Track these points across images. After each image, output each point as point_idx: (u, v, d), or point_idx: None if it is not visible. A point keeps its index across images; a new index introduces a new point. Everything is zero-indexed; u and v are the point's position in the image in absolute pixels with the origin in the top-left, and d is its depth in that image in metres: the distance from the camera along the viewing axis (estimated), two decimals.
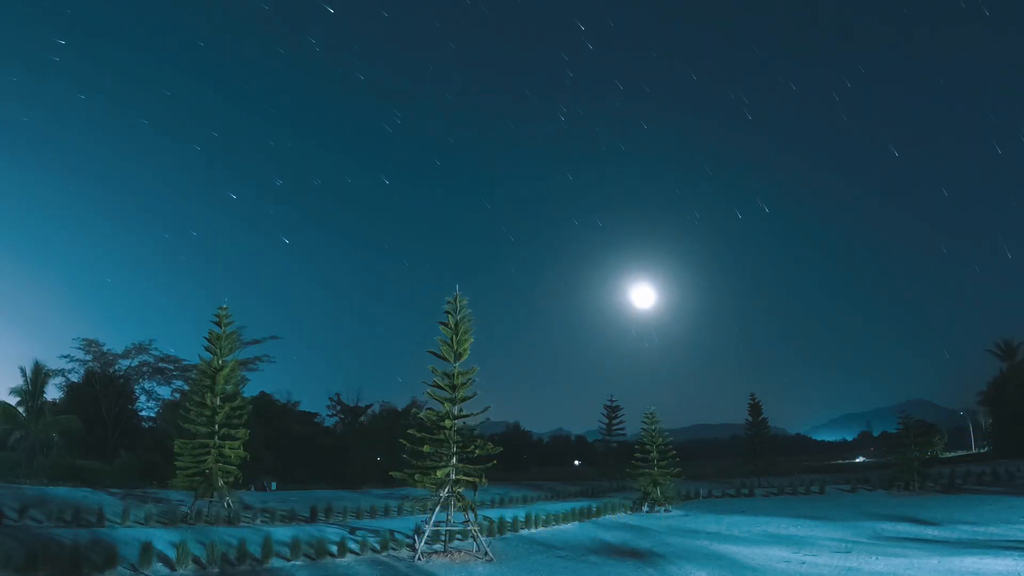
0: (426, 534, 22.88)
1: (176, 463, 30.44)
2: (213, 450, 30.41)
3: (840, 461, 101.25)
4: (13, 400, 48.84)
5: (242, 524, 27.64)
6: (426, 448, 24.52)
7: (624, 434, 67.16)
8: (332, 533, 25.02)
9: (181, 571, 18.80)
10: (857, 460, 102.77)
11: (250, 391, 49.77)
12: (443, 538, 24.04)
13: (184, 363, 63.96)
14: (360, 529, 27.01)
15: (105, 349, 63.51)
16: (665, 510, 38.92)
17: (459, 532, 24.57)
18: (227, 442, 30.87)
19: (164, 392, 66.46)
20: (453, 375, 25.02)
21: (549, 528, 29.88)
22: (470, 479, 24.23)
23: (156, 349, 65.37)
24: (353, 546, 22.56)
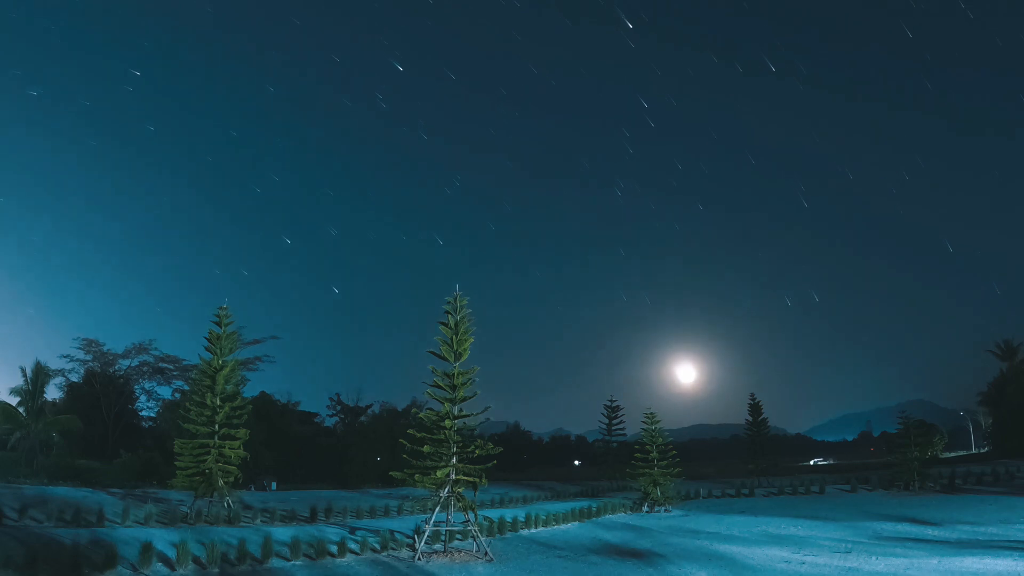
0: (426, 534, 22.89)
1: (176, 463, 30.44)
2: (213, 450, 30.40)
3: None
4: (13, 400, 48.94)
5: (242, 524, 27.64)
6: (426, 448, 24.52)
7: (624, 434, 67.14)
8: (332, 533, 25.02)
9: (181, 571, 18.79)
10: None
11: (250, 391, 49.89)
12: (443, 538, 24.05)
13: (184, 363, 64.10)
14: (360, 529, 27.01)
15: (105, 349, 63.69)
16: (665, 510, 38.93)
17: (459, 532, 24.59)
18: (227, 442, 30.86)
19: (164, 392, 66.65)
20: (453, 375, 25.02)
21: (549, 528, 29.88)
22: (470, 479, 24.23)
23: (156, 349, 65.56)
24: (353, 546, 22.56)
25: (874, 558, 20.36)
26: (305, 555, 21.11)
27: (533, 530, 28.97)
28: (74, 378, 62.01)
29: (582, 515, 33.10)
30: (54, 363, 59.30)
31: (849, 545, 23.18)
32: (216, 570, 19.22)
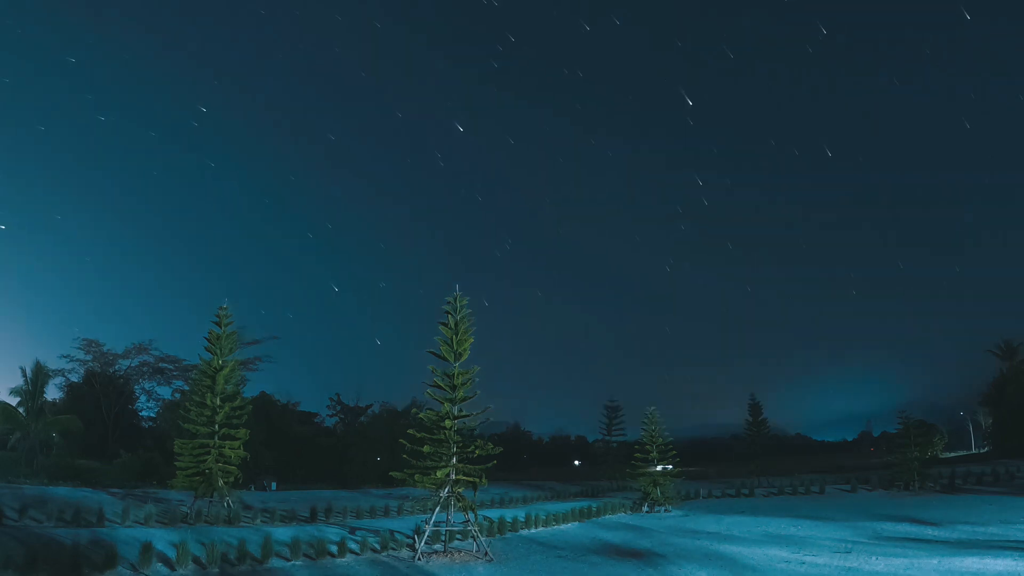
0: (426, 534, 22.89)
1: (176, 463, 30.43)
2: (213, 450, 30.39)
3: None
4: (13, 400, 48.92)
5: (242, 524, 27.64)
6: (426, 448, 24.53)
7: (624, 434, 67.20)
8: (332, 533, 25.02)
9: (181, 571, 18.80)
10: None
11: (250, 391, 49.92)
12: (443, 538, 24.05)
13: (184, 363, 64.05)
14: (360, 529, 27.01)
15: (105, 349, 63.64)
16: (665, 510, 38.93)
17: (459, 532, 24.59)
18: (227, 442, 30.85)
19: (164, 392, 66.60)
20: (453, 375, 25.02)
21: (549, 528, 29.88)
22: (470, 479, 24.24)
23: (156, 349, 65.49)
24: (353, 546, 22.57)
25: (874, 558, 20.36)
26: (305, 555, 21.12)
27: (533, 530, 28.97)
28: (74, 378, 62.04)
29: (582, 515, 33.10)
30: (54, 363, 59.30)
31: (849, 545, 23.18)
32: (216, 570, 19.23)
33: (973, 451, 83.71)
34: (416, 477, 24.24)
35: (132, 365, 64.77)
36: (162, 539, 20.93)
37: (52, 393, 57.36)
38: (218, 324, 31.86)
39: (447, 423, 24.30)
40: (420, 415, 25.52)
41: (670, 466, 41.50)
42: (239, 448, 30.87)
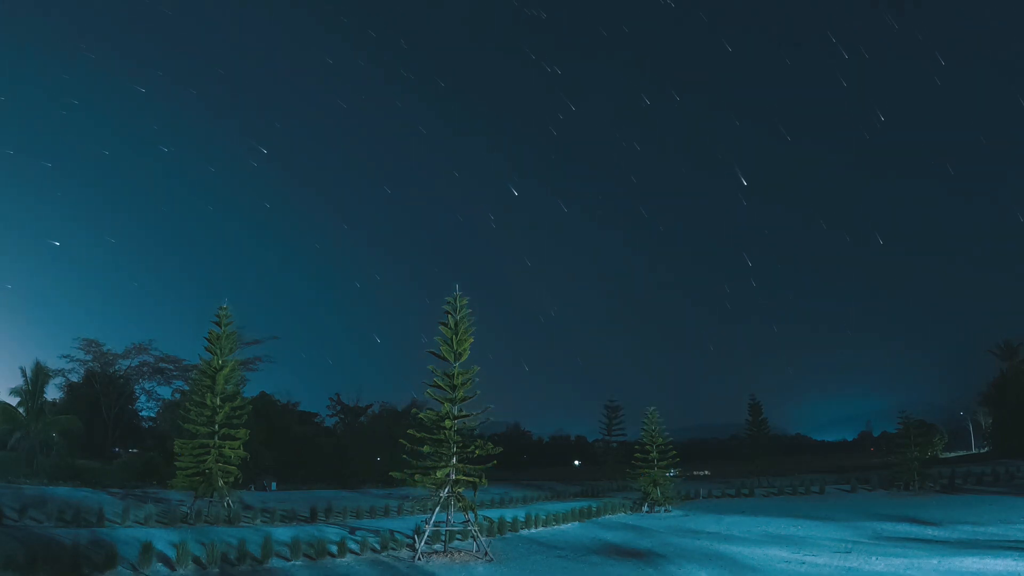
0: (426, 534, 22.89)
1: (176, 463, 30.42)
2: (213, 450, 30.38)
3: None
4: (13, 400, 48.86)
5: (242, 524, 27.63)
6: (426, 448, 24.53)
7: (624, 434, 67.20)
8: (332, 533, 25.01)
9: (181, 571, 18.79)
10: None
11: (250, 391, 49.84)
12: (443, 538, 24.05)
13: (184, 363, 64.02)
14: (360, 529, 27.00)
15: (105, 349, 63.62)
16: (665, 510, 38.93)
17: (459, 532, 24.58)
18: (227, 442, 30.84)
19: (164, 392, 66.55)
20: (453, 375, 25.02)
21: (549, 528, 29.87)
22: (470, 479, 24.24)
23: (156, 349, 65.48)
24: (353, 546, 22.56)
25: (874, 558, 20.37)
26: (305, 555, 21.11)
27: (533, 530, 28.97)
28: (74, 378, 62.03)
29: (582, 515, 33.11)
30: (54, 363, 59.26)
31: (849, 545, 23.19)
32: (216, 570, 19.23)
33: (973, 451, 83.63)
34: (416, 477, 24.25)
35: (132, 365, 64.81)
36: (162, 539, 20.92)
37: (52, 393, 57.36)
38: (218, 324, 31.85)
39: (447, 423, 24.30)
40: (420, 415, 25.51)
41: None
42: (239, 448, 30.85)
